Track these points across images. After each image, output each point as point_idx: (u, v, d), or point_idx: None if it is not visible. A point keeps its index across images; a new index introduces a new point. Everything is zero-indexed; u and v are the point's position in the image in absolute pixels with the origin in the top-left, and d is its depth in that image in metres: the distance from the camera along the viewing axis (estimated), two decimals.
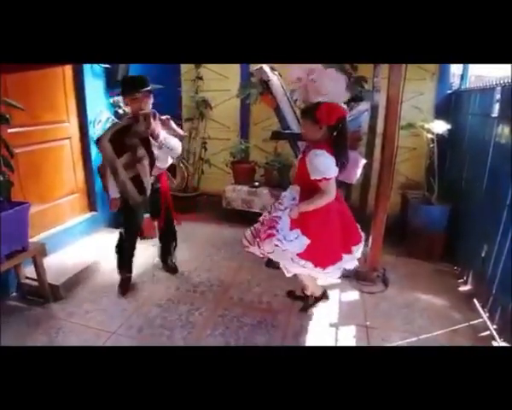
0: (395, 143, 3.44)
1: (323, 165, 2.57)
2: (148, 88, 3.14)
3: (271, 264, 3.52)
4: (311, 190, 2.67)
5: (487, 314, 3.13)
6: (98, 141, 3.10)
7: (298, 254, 2.68)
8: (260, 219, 2.99)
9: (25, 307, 3.21)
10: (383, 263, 3.80)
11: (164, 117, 3.34)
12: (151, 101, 3.17)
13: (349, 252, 2.84)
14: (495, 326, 2.95)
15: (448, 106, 4.88)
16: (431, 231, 4.11)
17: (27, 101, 3.32)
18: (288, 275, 2.94)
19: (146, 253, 4.14)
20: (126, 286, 3.51)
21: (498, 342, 2.79)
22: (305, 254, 2.68)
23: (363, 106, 4.05)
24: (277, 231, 2.64)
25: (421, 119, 4.31)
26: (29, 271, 3.33)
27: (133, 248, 3.53)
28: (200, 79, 5.61)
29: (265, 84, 4.00)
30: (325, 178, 2.57)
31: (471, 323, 3.09)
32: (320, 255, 2.72)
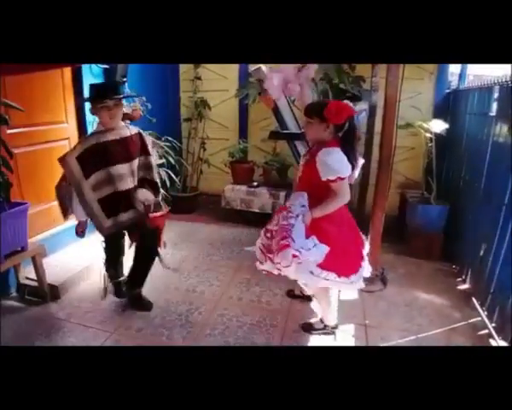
0: (393, 142, 3.45)
1: (337, 163, 2.42)
2: (121, 96, 2.91)
3: None
4: (319, 195, 2.51)
5: (486, 313, 3.14)
6: (62, 159, 2.78)
7: (318, 265, 2.47)
8: (266, 233, 2.70)
9: (24, 307, 3.21)
10: (382, 262, 3.80)
11: (135, 130, 3.02)
12: (121, 112, 2.92)
13: (363, 258, 2.73)
14: (493, 324, 2.96)
15: (446, 105, 4.89)
16: (429, 231, 4.12)
17: (26, 102, 3.32)
18: (309, 292, 2.89)
19: None
20: (119, 290, 3.38)
21: (497, 340, 2.80)
22: (327, 264, 2.48)
23: (362, 105, 4.05)
24: (293, 240, 2.37)
25: (419, 118, 4.32)
26: (28, 271, 3.34)
27: (118, 261, 3.34)
28: (199, 79, 5.61)
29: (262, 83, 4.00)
30: (340, 178, 2.41)
31: (470, 321, 3.10)
32: (342, 263, 2.55)
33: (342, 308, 3.17)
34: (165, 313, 3.18)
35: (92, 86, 2.91)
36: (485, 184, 3.47)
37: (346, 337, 2.92)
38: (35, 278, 3.26)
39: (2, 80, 3.12)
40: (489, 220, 3.23)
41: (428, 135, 4.06)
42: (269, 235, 2.63)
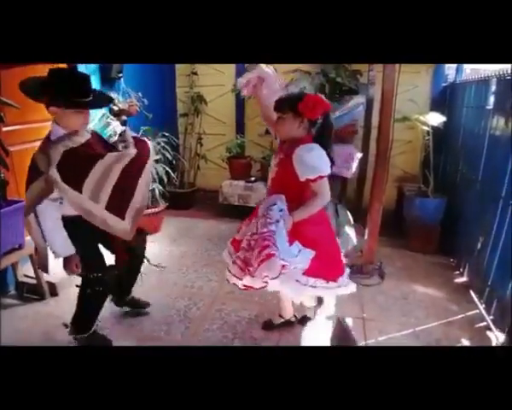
0: (390, 136, 3.44)
1: (318, 160, 2.24)
2: (108, 98, 2.67)
3: None
4: (294, 196, 2.32)
5: (483, 305, 3.15)
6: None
7: (305, 273, 2.29)
8: (240, 244, 2.42)
9: (23, 305, 3.21)
10: (379, 256, 3.81)
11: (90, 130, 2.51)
12: None
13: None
14: (491, 317, 2.97)
15: (443, 98, 4.88)
16: (427, 224, 4.13)
17: (21, 99, 3.29)
18: (297, 302, 2.79)
19: None
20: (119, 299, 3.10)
21: (495, 333, 2.81)
22: (313, 270, 2.30)
23: (359, 99, 4.05)
24: (277, 247, 2.11)
25: (416, 111, 4.32)
26: (26, 269, 3.34)
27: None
28: (195, 74, 5.60)
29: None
30: (321, 176, 2.23)
31: (467, 314, 3.11)
32: (328, 266, 2.39)
33: (340, 302, 3.17)
34: (163, 309, 3.18)
35: (67, 76, 2.37)
36: (482, 177, 3.47)
37: None
38: (33, 275, 3.25)
39: None
40: (486, 213, 3.24)
41: (425, 128, 4.06)
42: (245, 246, 2.32)
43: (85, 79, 2.35)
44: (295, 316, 2.97)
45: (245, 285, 2.32)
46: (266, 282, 2.19)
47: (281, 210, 2.24)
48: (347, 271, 2.56)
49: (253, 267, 2.17)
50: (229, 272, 2.41)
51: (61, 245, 2.34)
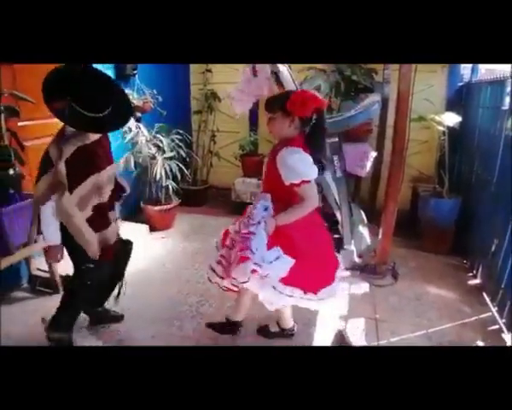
0: (406, 136, 3.42)
1: (301, 164, 2.16)
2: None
3: None
4: (284, 198, 2.24)
5: (496, 308, 3.12)
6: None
7: (282, 280, 2.18)
8: (225, 242, 2.40)
9: (35, 298, 3.24)
10: (393, 256, 3.78)
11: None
12: None
13: (336, 269, 2.45)
14: (504, 320, 2.95)
15: (459, 98, 4.84)
16: (441, 225, 4.09)
17: (36, 94, 3.32)
18: (271, 309, 2.45)
19: (156, 244, 4.19)
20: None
21: (507, 336, 2.79)
22: (291, 279, 2.19)
23: (374, 97, 4.03)
24: (252, 251, 2.08)
25: (432, 111, 4.29)
26: (39, 262, 3.37)
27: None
28: (209, 71, 5.61)
29: (275, 75, 3.99)
30: (304, 181, 2.15)
31: (480, 316, 3.09)
32: (309, 277, 2.26)
33: (353, 302, 3.16)
34: (176, 305, 3.20)
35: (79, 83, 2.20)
36: (497, 179, 3.44)
37: (356, 332, 2.91)
38: (46, 269, 3.28)
39: (12, 72, 3.12)
40: (501, 215, 3.21)
41: (441, 128, 4.02)
42: (229, 244, 2.30)
43: (104, 84, 2.30)
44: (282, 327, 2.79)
45: (226, 287, 2.31)
46: (237, 286, 2.18)
47: (265, 209, 2.22)
48: (336, 282, 2.42)
49: (231, 269, 2.17)
50: (213, 270, 2.36)
51: (52, 233, 2.32)
